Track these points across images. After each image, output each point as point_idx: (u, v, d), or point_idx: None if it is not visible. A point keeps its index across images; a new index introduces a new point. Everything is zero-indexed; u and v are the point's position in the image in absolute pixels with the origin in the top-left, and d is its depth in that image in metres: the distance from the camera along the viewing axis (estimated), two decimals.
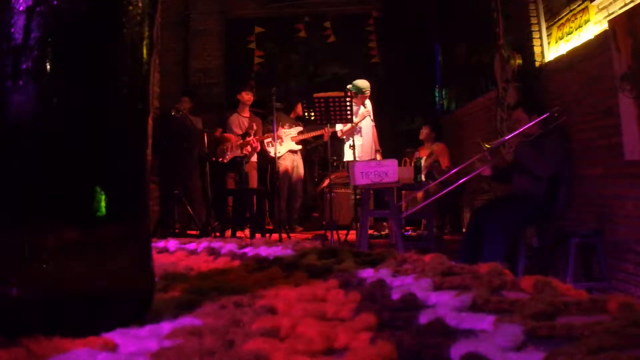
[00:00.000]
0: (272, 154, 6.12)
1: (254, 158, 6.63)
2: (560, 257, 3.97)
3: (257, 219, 6.26)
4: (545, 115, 3.99)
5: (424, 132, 6.48)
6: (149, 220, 1.04)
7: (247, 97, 6.55)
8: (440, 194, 4.43)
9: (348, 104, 5.31)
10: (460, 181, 4.25)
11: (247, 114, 6.61)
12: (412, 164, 5.24)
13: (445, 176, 4.67)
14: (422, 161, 6.05)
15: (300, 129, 6.68)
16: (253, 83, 7.79)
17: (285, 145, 6.61)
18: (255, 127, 6.45)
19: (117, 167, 0.95)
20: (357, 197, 5.46)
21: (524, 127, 4.01)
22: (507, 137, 4.18)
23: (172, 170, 6.40)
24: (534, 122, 3.99)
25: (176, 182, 6.30)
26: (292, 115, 6.89)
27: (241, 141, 6.45)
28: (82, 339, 0.77)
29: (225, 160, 6.48)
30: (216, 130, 6.56)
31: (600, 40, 3.73)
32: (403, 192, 5.89)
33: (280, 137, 6.41)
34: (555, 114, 4.02)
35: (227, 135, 6.53)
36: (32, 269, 0.86)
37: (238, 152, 6.47)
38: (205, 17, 7.94)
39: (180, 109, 6.28)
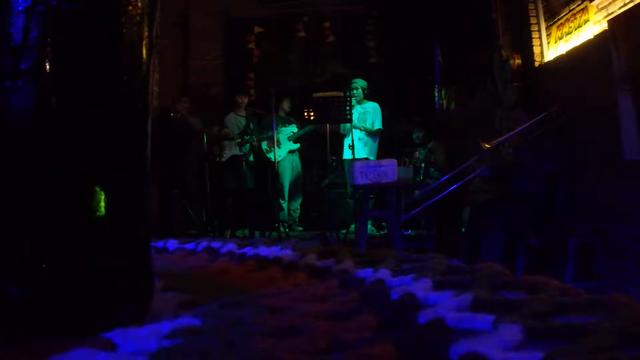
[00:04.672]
0: (272, 160, 6.11)
1: (251, 157, 6.63)
2: (559, 257, 3.97)
3: (256, 219, 6.26)
4: (544, 115, 3.99)
5: (421, 137, 6.59)
6: (149, 220, 1.04)
7: (241, 100, 6.63)
8: (438, 196, 4.43)
9: (347, 103, 5.31)
10: (459, 183, 4.25)
11: (243, 113, 6.65)
12: (411, 164, 5.25)
13: (445, 177, 4.67)
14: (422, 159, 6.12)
15: (294, 126, 6.69)
16: (251, 83, 7.80)
17: (285, 147, 6.61)
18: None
19: (116, 167, 0.95)
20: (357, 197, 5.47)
21: (523, 127, 4.01)
22: (506, 137, 4.18)
23: (172, 170, 6.40)
24: (532, 121, 3.99)
25: (176, 182, 6.30)
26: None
27: (239, 140, 6.46)
28: (82, 339, 0.77)
29: (223, 159, 6.48)
30: (213, 129, 6.55)
31: (600, 40, 3.73)
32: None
33: (278, 141, 6.41)
34: (554, 114, 4.02)
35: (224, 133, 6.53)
36: (32, 269, 0.86)
37: (237, 151, 6.47)
38: (204, 17, 7.93)
39: (179, 110, 6.28)
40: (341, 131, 6.05)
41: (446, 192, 4.30)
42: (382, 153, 6.17)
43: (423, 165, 6.21)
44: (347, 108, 5.33)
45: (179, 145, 6.39)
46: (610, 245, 3.70)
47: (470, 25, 6.60)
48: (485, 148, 3.98)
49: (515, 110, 4.27)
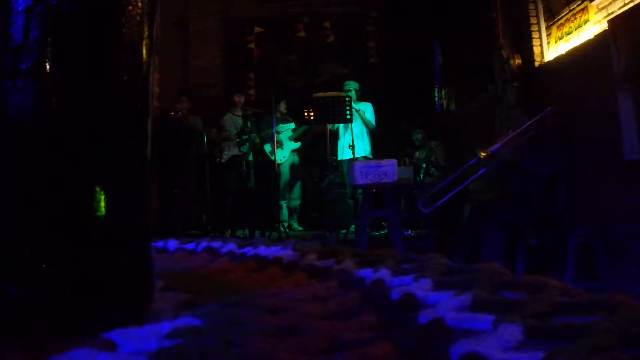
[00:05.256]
0: (276, 162, 6.12)
1: (250, 157, 6.64)
2: (559, 257, 3.97)
3: (256, 219, 6.25)
4: (543, 115, 3.99)
5: (421, 138, 6.62)
6: (149, 220, 1.04)
7: (238, 99, 6.64)
8: (458, 188, 4.40)
9: (347, 104, 5.32)
10: (461, 187, 4.24)
11: (239, 113, 6.66)
12: (411, 164, 5.26)
13: (446, 181, 4.65)
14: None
15: (292, 125, 6.70)
16: (251, 83, 7.81)
17: (287, 148, 6.62)
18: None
19: (116, 167, 0.95)
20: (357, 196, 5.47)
21: (522, 128, 4.00)
22: (503, 141, 4.14)
23: (172, 170, 6.40)
24: (532, 121, 3.98)
25: (176, 182, 6.30)
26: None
27: (238, 140, 6.46)
28: (82, 339, 0.77)
29: (223, 160, 6.48)
30: (211, 132, 6.55)
31: (600, 40, 3.73)
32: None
33: (281, 142, 6.45)
34: (554, 114, 4.02)
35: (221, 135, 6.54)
36: (32, 269, 0.86)
37: (236, 152, 6.47)
38: (204, 17, 7.93)
39: (179, 109, 6.29)
40: (330, 127, 6.05)
41: (462, 186, 4.27)
42: (382, 153, 6.18)
43: (424, 165, 6.23)
44: (347, 108, 5.34)
45: (179, 145, 6.39)
46: (610, 245, 3.70)
47: (470, 25, 6.60)
48: (481, 157, 3.96)
49: (515, 111, 4.26)
